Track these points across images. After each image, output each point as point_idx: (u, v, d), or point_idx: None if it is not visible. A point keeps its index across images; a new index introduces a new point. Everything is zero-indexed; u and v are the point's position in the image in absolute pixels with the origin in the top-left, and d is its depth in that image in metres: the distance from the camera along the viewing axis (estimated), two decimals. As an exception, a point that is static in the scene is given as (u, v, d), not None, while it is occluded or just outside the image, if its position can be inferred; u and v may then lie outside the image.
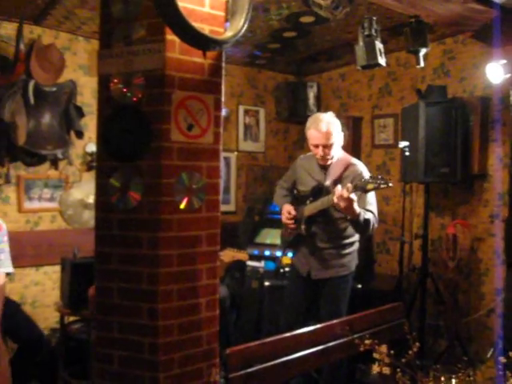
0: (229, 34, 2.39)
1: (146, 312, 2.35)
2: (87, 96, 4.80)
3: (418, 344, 1.66)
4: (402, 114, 4.72)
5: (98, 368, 2.47)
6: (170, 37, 2.32)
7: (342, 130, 3.74)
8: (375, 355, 1.60)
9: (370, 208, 3.54)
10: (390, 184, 3.23)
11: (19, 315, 3.85)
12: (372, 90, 5.47)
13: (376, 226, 3.59)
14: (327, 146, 3.59)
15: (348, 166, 3.66)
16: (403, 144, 4.20)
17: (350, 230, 3.65)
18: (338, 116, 5.57)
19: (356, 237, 3.74)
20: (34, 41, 4.47)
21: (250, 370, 2.60)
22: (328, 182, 3.64)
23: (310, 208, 3.65)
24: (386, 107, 5.34)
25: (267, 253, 4.82)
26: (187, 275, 2.40)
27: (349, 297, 3.79)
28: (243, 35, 2.44)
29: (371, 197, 3.59)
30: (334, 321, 3.14)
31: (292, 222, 3.73)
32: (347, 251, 3.72)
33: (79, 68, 4.77)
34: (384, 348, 1.60)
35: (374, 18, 3.80)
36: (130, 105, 2.35)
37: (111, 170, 2.40)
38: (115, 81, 2.38)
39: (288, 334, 2.94)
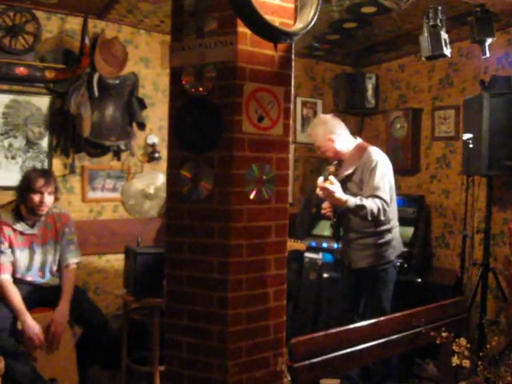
0: (299, 26, 2.39)
1: (216, 300, 2.39)
2: (148, 88, 4.89)
3: (496, 338, 1.64)
4: (464, 106, 4.62)
5: (167, 354, 2.53)
6: (242, 29, 2.34)
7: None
8: (455, 348, 1.58)
9: (377, 193, 3.55)
10: (331, 169, 3.55)
11: (85, 301, 3.97)
12: (432, 81, 5.37)
13: (387, 209, 3.55)
14: (317, 147, 3.88)
15: (361, 154, 3.72)
16: (467, 136, 4.11)
17: None
18: (397, 108, 5.60)
19: (390, 225, 3.73)
20: (97, 35, 4.56)
21: (314, 360, 2.63)
22: (341, 176, 3.77)
23: None
24: (446, 98, 5.24)
25: (325, 245, 4.82)
26: (256, 265, 2.43)
27: (392, 287, 3.79)
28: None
29: (379, 181, 3.59)
30: (397, 314, 3.13)
31: (327, 210, 3.80)
32: (382, 240, 3.71)
33: (141, 61, 4.86)
34: (463, 341, 1.58)
35: (440, 8, 3.73)
36: (202, 97, 2.39)
37: (182, 161, 2.45)
38: (187, 73, 2.42)
39: (352, 326, 2.93)
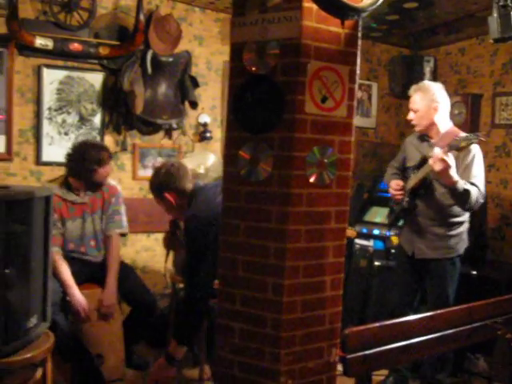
0: (367, 1, 2.27)
1: (271, 287, 2.31)
2: (202, 67, 4.83)
3: None
4: (529, 92, 4.42)
5: (218, 339, 2.48)
6: (307, 4, 2.22)
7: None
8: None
9: (474, 181, 3.36)
10: (482, 138, 3.14)
11: (134, 279, 3.97)
12: (494, 66, 5.15)
13: (481, 201, 3.37)
14: (413, 110, 3.61)
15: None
16: (532, 124, 3.92)
17: (457, 208, 3.45)
18: (456, 93, 5.39)
19: (464, 217, 3.55)
20: (152, 11, 4.52)
21: (367, 352, 2.54)
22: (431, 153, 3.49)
23: (413, 179, 3.56)
24: (509, 84, 5.01)
25: (376, 232, 4.69)
26: (314, 252, 2.34)
27: (457, 281, 3.63)
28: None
29: (477, 169, 3.41)
30: (454, 308, 3.00)
31: (399, 192, 3.64)
32: (455, 232, 3.54)
33: (194, 39, 4.80)
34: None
35: (511, -13, 3.52)
36: (264, 75, 2.29)
37: (241, 142, 2.36)
38: (249, 50, 2.32)
39: (408, 318, 2.84)
